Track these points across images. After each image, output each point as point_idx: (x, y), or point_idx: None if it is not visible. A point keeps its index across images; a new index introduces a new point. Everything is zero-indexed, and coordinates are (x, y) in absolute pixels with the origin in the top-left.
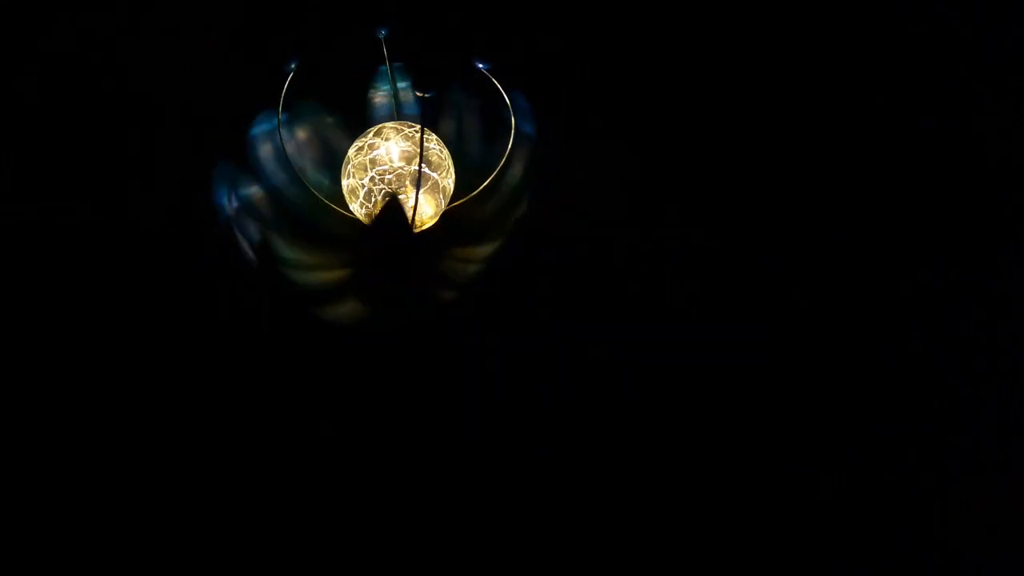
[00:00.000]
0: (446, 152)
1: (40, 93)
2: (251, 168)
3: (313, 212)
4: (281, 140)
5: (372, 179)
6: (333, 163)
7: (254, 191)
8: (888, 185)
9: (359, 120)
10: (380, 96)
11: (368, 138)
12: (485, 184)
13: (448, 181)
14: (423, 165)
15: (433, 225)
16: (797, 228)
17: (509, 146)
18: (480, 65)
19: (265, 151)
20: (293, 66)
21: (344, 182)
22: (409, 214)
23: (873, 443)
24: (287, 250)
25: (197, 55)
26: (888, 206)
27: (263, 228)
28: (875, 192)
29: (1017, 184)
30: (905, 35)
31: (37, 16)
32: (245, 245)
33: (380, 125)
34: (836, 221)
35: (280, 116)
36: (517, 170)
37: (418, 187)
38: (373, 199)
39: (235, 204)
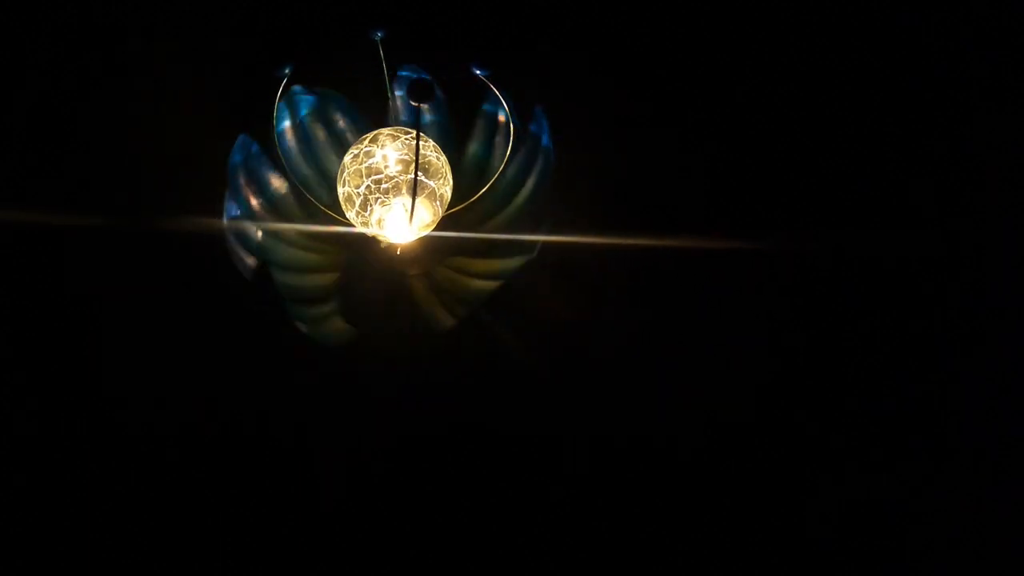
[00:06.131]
0: (443, 158)
1: (39, 93)
2: (248, 174)
3: (310, 219)
4: (276, 145)
5: (368, 187)
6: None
7: (252, 200)
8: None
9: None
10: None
11: (363, 145)
12: (484, 190)
13: (446, 188)
14: (419, 172)
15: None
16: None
17: (508, 152)
18: (478, 71)
19: (259, 159)
20: (287, 71)
21: (340, 190)
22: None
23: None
24: (283, 259)
25: (194, 56)
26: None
27: (259, 238)
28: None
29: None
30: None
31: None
32: (242, 254)
33: (376, 131)
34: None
35: (275, 121)
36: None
37: (414, 194)
38: (369, 207)
39: (233, 213)
